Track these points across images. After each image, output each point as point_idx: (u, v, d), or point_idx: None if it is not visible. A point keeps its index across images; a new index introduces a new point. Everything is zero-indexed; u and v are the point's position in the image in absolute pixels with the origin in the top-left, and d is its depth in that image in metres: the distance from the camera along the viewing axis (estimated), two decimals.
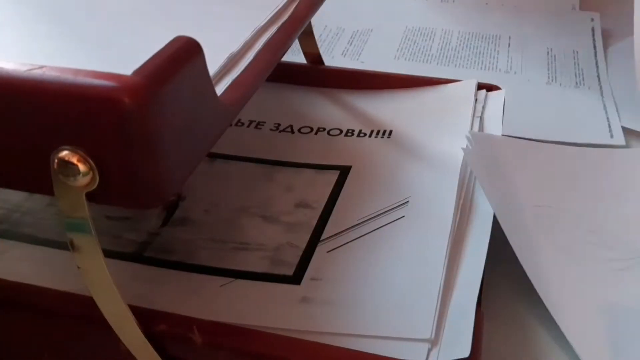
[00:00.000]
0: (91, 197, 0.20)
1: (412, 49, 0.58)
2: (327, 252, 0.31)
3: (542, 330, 0.31)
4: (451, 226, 0.31)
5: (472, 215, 0.32)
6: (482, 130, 0.38)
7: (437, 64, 0.56)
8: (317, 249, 0.31)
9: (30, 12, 0.28)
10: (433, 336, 0.25)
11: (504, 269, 0.33)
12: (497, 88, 0.41)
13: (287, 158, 0.37)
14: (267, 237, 0.31)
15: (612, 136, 0.46)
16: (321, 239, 0.31)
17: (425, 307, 0.27)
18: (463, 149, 0.35)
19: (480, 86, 0.41)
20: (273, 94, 0.43)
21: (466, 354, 0.24)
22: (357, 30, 0.61)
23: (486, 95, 0.41)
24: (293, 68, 0.44)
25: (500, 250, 0.31)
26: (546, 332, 0.30)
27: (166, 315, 0.26)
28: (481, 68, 0.56)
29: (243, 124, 0.40)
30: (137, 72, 0.19)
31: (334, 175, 0.36)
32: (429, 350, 0.25)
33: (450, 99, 0.41)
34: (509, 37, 0.60)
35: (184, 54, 0.20)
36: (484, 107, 0.40)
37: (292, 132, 0.40)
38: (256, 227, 0.32)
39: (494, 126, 0.38)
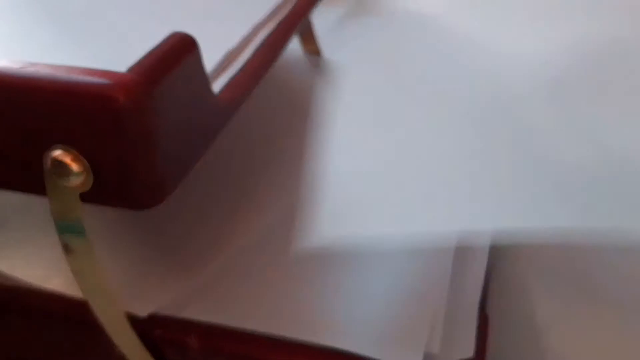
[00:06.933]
0: (85, 197, 0.20)
1: None
2: None
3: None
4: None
5: None
6: None
7: None
8: None
9: (23, 8, 0.28)
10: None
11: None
12: None
13: None
14: None
15: None
16: None
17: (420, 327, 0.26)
18: None
19: None
20: None
21: (470, 354, 0.24)
22: None
23: None
24: None
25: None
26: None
27: (162, 319, 0.25)
28: None
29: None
30: (131, 69, 0.18)
31: None
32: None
33: None
34: None
35: (179, 51, 0.20)
36: None
37: None
38: None
39: None
